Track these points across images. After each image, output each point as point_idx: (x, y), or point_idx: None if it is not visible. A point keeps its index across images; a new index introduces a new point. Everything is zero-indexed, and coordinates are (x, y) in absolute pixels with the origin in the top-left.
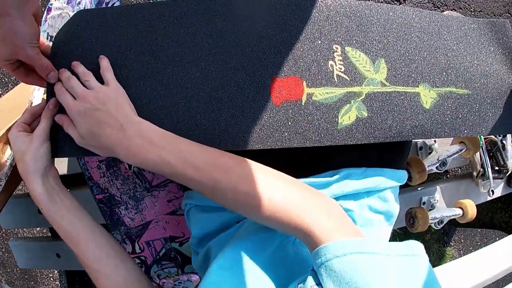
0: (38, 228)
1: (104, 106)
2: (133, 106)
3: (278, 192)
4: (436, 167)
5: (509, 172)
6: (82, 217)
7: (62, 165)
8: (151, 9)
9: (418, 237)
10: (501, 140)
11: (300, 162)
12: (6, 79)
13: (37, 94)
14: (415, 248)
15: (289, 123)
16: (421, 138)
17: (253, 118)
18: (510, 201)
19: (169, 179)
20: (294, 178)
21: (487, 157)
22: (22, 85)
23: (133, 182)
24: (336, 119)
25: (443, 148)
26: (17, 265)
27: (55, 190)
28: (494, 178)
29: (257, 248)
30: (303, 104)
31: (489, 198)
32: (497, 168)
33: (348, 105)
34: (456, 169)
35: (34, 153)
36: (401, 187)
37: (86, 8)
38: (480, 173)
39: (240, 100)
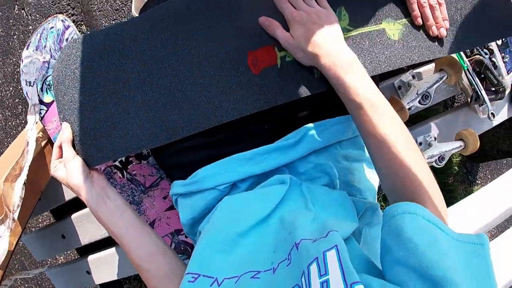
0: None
1: (321, 22)
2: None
3: None
4: (419, 102)
5: (509, 90)
6: (126, 218)
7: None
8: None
9: (441, 182)
10: (490, 58)
11: (262, 130)
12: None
13: (31, 134)
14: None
15: (272, 85)
16: (398, 66)
17: (239, 90)
18: None
19: (159, 178)
20: None
21: (477, 79)
22: (19, 136)
23: (129, 188)
24: (313, 70)
25: (421, 81)
26: None
27: (100, 195)
28: (491, 100)
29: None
30: (279, 67)
31: (494, 124)
32: (493, 89)
33: None
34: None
35: (70, 173)
36: None
37: (51, 49)
38: (474, 98)
39: (225, 79)
